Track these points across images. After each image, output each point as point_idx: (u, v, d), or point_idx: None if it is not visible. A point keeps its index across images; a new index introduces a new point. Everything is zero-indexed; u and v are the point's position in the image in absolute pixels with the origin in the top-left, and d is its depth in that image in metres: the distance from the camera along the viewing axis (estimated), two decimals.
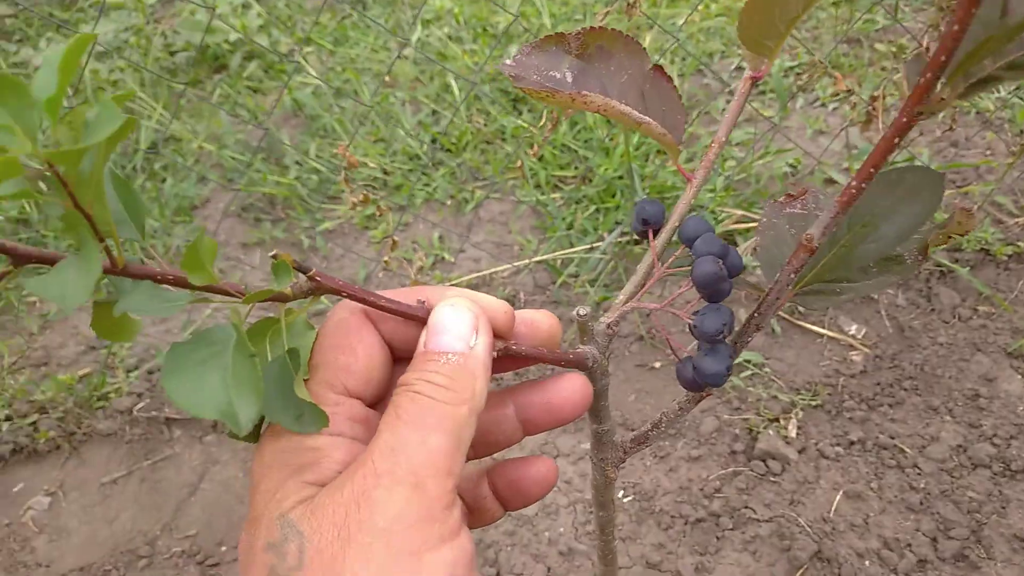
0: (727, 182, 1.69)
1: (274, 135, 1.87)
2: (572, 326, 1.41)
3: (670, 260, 0.45)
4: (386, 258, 1.16)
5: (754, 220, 1.61)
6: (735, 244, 1.58)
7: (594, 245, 1.57)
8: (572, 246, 1.58)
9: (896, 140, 0.36)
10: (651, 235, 0.46)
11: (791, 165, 1.76)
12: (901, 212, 0.47)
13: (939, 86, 0.34)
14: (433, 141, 1.91)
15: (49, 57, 0.25)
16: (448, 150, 1.90)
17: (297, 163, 1.84)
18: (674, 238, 0.48)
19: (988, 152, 1.69)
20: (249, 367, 0.31)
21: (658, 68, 0.46)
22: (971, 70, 0.33)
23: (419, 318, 0.37)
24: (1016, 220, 1.49)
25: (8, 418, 1.27)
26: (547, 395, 0.41)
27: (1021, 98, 1.82)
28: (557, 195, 1.72)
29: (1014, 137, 1.70)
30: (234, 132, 1.92)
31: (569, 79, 0.45)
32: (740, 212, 1.61)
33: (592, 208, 1.66)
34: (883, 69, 1.90)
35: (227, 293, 0.32)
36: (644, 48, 0.46)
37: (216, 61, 2.24)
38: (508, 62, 0.44)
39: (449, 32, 2.41)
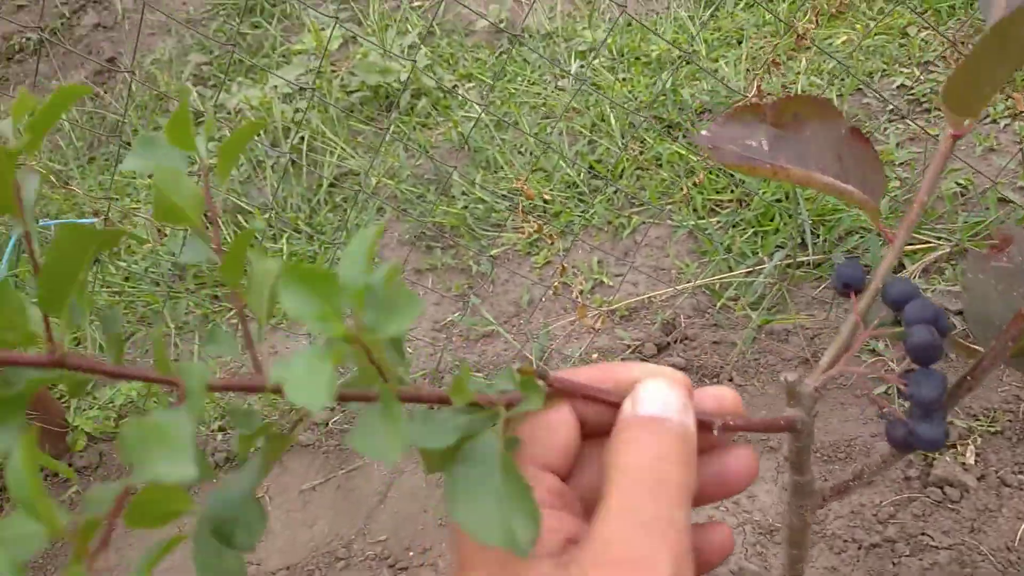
0: (893, 204, 1.66)
1: (441, 167, 1.99)
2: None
3: (874, 323, 0.45)
4: (556, 284, 1.23)
5: (922, 242, 1.58)
6: (903, 267, 1.55)
7: (753, 268, 1.58)
8: (731, 269, 1.60)
9: None
10: (853, 296, 0.46)
11: (961, 184, 1.71)
12: None
13: None
14: (590, 169, 1.98)
15: (352, 250, 0.31)
16: (604, 177, 1.96)
17: (464, 193, 1.95)
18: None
19: None
20: (519, 487, 0.31)
21: (854, 130, 0.46)
22: None
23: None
24: None
25: (222, 428, 1.42)
26: (717, 468, 0.39)
27: None
28: (715, 219, 1.74)
29: None
30: (408, 166, 2.06)
31: (765, 147, 0.46)
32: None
33: (750, 231, 1.67)
34: None
35: (485, 405, 0.33)
36: (840, 112, 0.47)
37: (387, 99, 2.40)
38: (704, 133, 0.46)
39: (603, 62, 2.48)
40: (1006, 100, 1.62)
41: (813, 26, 1.22)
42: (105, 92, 2.51)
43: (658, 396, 0.35)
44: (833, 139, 0.46)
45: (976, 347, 0.47)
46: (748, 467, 0.39)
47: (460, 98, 2.32)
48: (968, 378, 0.44)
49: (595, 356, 1.45)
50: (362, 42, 2.58)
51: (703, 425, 0.37)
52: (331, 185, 1.98)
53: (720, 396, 0.39)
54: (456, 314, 1.63)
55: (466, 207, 1.91)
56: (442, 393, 0.33)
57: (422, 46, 2.61)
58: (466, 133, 2.13)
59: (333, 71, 2.40)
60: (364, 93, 2.33)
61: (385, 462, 0.30)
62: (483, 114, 2.20)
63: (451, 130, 2.17)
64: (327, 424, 1.43)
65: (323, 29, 2.55)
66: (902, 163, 1.80)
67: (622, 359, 1.46)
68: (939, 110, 1.98)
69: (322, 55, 2.24)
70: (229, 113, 2.27)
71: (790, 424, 0.44)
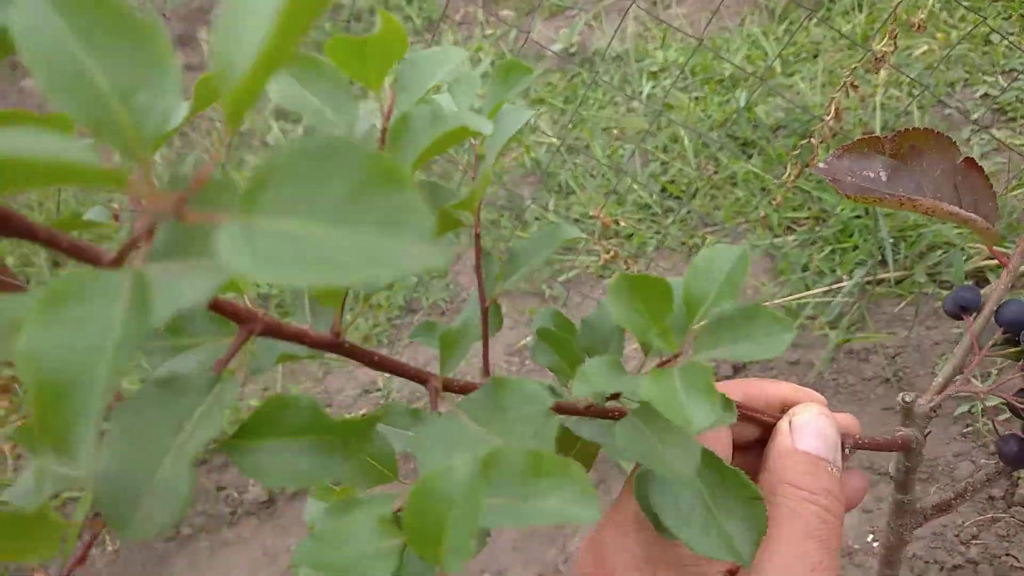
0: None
1: (514, 192, 2.03)
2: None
3: (988, 344, 0.47)
4: None
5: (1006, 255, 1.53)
6: (987, 281, 1.51)
7: (831, 287, 1.57)
8: (808, 288, 1.59)
9: None
10: (968, 319, 0.48)
11: None
12: None
13: None
14: (663, 190, 1.99)
15: (710, 264, 0.33)
16: (678, 197, 1.97)
17: (536, 218, 1.99)
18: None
19: None
20: (737, 488, 0.33)
21: (969, 160, 0.48)
22: None
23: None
24: None
25: None
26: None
27: None
28: (791, 237, 1.73)
29: None
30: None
31: (884, 178, 0.47)
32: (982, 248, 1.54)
33: (828, 249, 1.66)
34: None
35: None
36: (954, 143, 0.49)
37: None
38: (821, 165, 0.48)
39: (674, 82, 2.49)
40: None
41: (891, 49, 1.21)
42: None
43: (815, 427, 0.37)
44: (949, 169, 0.48)
45: None
46: (862, 486, 0.42)
47: (532, 123, 2.36)
48: None
49: None
50: None
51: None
52: None
53: (847, 422, 0.41)
54: (529, 338, 1.66)
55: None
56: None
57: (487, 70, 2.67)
58: (539, 158, 2.17)
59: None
60: None
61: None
62: (555, 139, 2.24)
63: (523, 155, 2.21)
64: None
65: None
66: (989, 173, 1.76)
67: None
68: (1023, 119, 1.92)
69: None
70: None
71: (906, 443, 0.47)
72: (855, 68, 1.42)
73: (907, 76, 2.18)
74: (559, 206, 2.01)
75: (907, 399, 0.46)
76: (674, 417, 0.26)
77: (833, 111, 1.69)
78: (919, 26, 2.45)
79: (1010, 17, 2.33)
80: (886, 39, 1.38)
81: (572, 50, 2.95)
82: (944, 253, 1.56)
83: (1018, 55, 2.04)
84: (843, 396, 1.37)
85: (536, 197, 2.08)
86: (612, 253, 1.28)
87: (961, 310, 0.48)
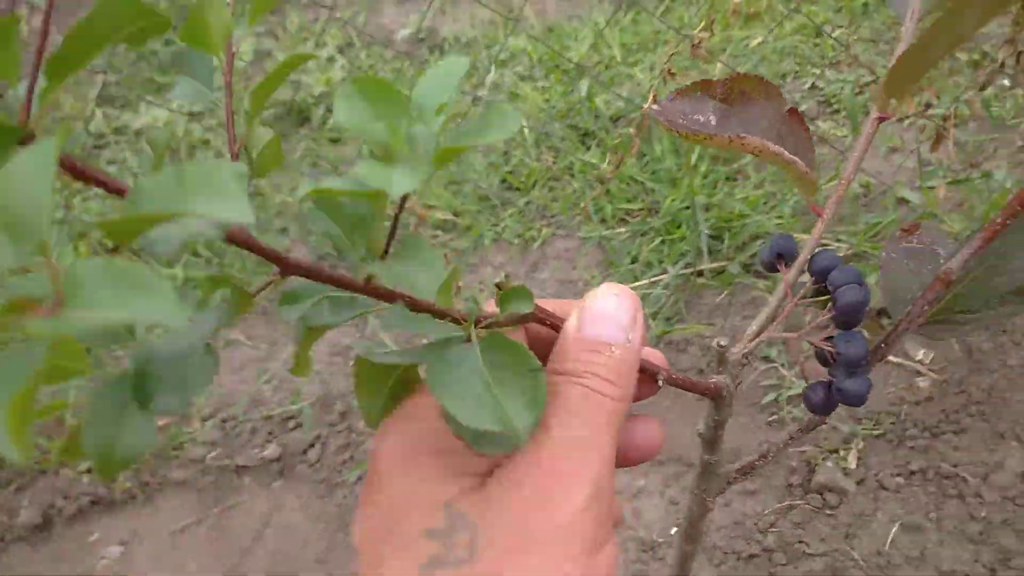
0: (794, 209, 1.68)
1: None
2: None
3: (801, 292, 0.47)
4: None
5: (822, 245, 1.59)
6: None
7: (658, 279, 1.59)
8: (636, 280, 1.61)
9: None
10: (783, 268, 0.48)
11: (863, 186, 1.73)
12: None
13: None
14: (503, 181, 1.98)
15: (438, 74, 0.31)
16: (518, 189, 1.96)
17: (418, 215, 1.94)
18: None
19: None
20: (522, 368, 0.32)
21: (793, 111, 0.49)
22: None
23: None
24: None
25: (89, 470, 1.38)
26: (625, 436, 0.39)
27: None
28: (623, 229, 1.75)
29: None
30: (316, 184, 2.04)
31: (713, 122, 0.48)
32: (805, 236, 1.59)
33: (658, 240, 1.68)
34: (956, 85, 1.84)
35: (456, 319, 0.33)
36: (780, 92, 0.49)
37: (301, 114, 2.38)
38: (656, 108, 0.48)
39: (522, 71, 2.48)
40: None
41: (708, 35, 1.22)
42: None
43: (605, 311, 0.35)
44: (775, 118, 0.49)
45: (882, 324, 0.50)
46: (655, 437, 0.40)
47: None
48: (883, 344, 0.46)
49: None
50: (277, 55, 2.56)
51: (648, 375, 0.38)
52: None
53: (656, 354, 0.40)
54: (355, 339, 1.61)
55: None
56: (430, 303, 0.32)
57: (340, 56, 2.60)
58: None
59: (245, 87, 2.37)
60: (276, 109, 2.31)
61: (428, 293, 0.29)
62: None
63: (363, 144, 2.16)
64: (204, 460, 1.40)
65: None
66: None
67: None
68: (846, 112, 2.01)
69: (229, 70, 2.22)
70: (136, 134, 2.24)
71: (718, 389, 0.46)
72: (673, 55, 1.44)
73: (743, 66, 2.24)
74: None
75: (722, 343, 0.45)
76: (377, 181, 0.25)
77: (651, 99, 1.71)
78: (752, 15, 2.52)
79: (840, 10, 2.43)
80: (702, 25, 1.39)
81: (421, 36, 2.90)
82: (764, 244, 1.60)
83: (842, 50, 2.12)
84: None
85: None
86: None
87: (777, 258, 0.48)
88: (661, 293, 1.54)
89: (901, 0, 0.50)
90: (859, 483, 1.15)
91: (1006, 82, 1.90)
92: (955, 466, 1.13)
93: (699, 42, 1.43)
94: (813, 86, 2.13)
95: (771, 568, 1.07)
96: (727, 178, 1.79)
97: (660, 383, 0.39)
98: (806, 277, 0.49)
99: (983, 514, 1.07)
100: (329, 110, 2.35)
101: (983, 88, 1.16)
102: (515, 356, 0.32)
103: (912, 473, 1.14)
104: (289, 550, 1.26)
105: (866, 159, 1.82)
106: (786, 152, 0.47)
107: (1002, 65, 1.44)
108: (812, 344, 0.45)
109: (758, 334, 0.48)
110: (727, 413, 0.49)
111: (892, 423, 1.22)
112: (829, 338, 0.45)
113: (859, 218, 1.64)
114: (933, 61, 0.42)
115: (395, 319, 0.33)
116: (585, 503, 0.30)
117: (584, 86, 2.21)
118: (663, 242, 1.68)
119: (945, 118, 1.38)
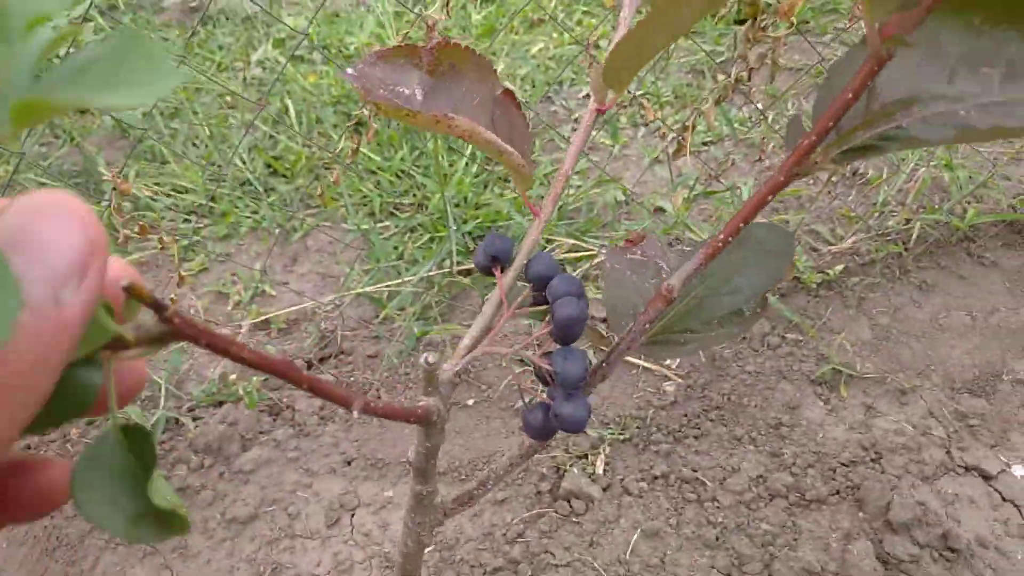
0: (560, 209, 1.68)
1: (91, 158, 1.76)
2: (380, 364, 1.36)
3: (518, 300, 0.43)
4: (172, 295, 1.09)
5: (585, 249, 1.60)
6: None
7: (418, 277, 1.53)
8: (400, 276, 1.54)
9: (769, 198, 0.36)
10: (498, 272, 0.44)
11: (625, 194, 1.77)
12: (754, 268, 0.47)
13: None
14: (267, 166, 1.84)
15: None
16: (283, 175, 1.83)
17: (115, 189, 1.74)
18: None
19: (811, 183, 1.74)
20: None
21: (508, 92, 0.44)
22: (848, 139, 0.34)
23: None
24: (829, 248, 1.53)
25: None
26: (35, 476, 0.27)
27: None
28: (390, 223, 1.67)
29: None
30: (44, 153, 1.80)
31: (419, 96, 0.42)
32: (572, 241, 1.60)
33: (426, 237, 1.62)
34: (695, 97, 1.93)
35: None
36: (494, 69, 0.44)
37: None
38: (350, 71, 0.40)
39: (301, 53, 2.35)
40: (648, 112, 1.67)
41: (444, 17, 1.16)
42: None
43: (48, 244, 0.20)
44: (488, 99, 0.44)
45: (607, 336, 0.49)
46: (139, 375, 0.28)
47: None
48: (604, 364, 0.44)
49: (233, 377, 1.32)
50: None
51: (340, 402, 0.31)
52: None
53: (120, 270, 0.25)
54: None
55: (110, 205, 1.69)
56: None
57: (99, 17, 2.33)
58: (125, 121, 1.90)
59: None
60: None
61: None
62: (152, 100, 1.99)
63: (104, 115, 1.93)
64: None
65: None
66: (577, 172, 1.84)
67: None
68: (618, 122, 2.05)
69: None
70: None
71: (426, 413, 0.40)
72: (406, 33, 1.38)
73: (520, 70, 2.25)
74: (144, 178, 1.77)
75: (430, 360, 0.40)
76: None
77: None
78: (536, 22, 2.53)
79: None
80: (437, 6, 1.32)
81: (194, 4, 2.68)
82: (543, 251, 1.59)
83: None
84: (414, 391, 1.32)
85: (117, 163, 1.82)
86: (139, 227, 1.10)
87: (492, 260, 0.44)
88: (421, 292, 1.48)
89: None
90: (605, 489, 1.14)
91: (759, 106, 2.02)
92: (695, 471, 1.16)
93: (433, 24, 1.38)
94: (587, 95, 2.16)
95: None
96: (501, 179, 1.77)
97: (355, 413, 0.33)
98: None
99: (720, 519, 1.10)
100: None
101: (718, 102, 1.19)
102: None
103: (655, 478, 1.15)
104: None
105: (629, 169, 1.87)
106: (499, 140, 0.43)
107: (737, 81, 1.51)
108: (529, 360, 0.41)
109: (471, 348, 0.44)
110: (439, 439, 0.44)
111: (638, 427, 1.23)
112: (548, 353, 0.41)
113: (620, 224, 1.67)
114: (650, 54, 0.39)
115: None
116: None
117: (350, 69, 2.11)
118: (432, 239, 1.62)
119: (684, 129, 1.42)
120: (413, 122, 0.41)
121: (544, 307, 0.42)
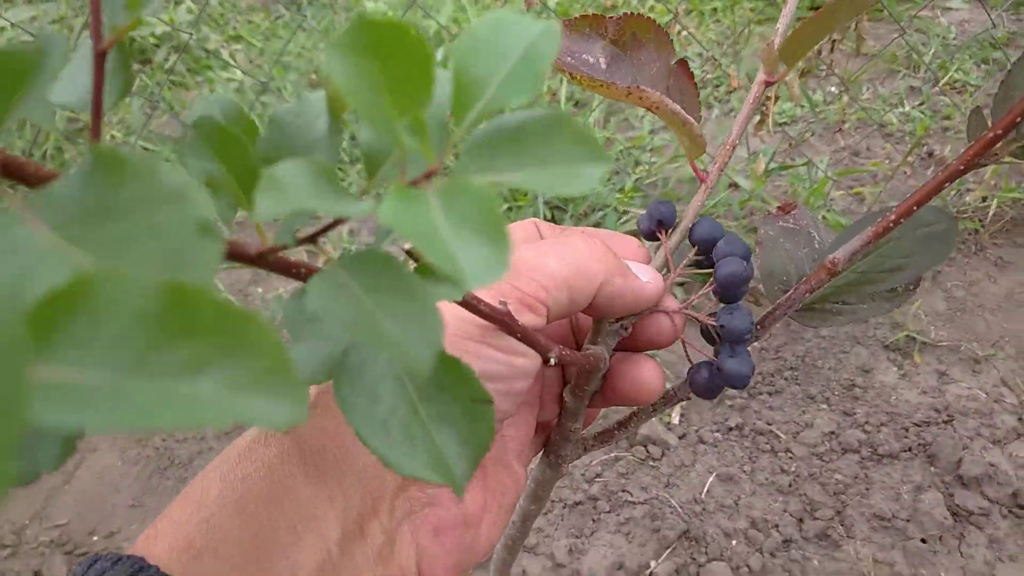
0: (635, 183, 1.73)
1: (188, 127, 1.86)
2: None
3: (684, 262, 0.44)
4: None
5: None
6: None
7: None
8: None
9: (946, 184, 0.38)
10: (663, 235, 0.45)
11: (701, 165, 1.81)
12: (919, 249, 0.48)
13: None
14: (352, 138, 1.93)
15: (509, 31, 0.20)
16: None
17: None
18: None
19: (887, 160, 1.75)
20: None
21: (682, 63, 0.44)
22: None
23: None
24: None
25: None
26: (636, 371, 0.40)
27: (922, 112, 1.89)
28: None
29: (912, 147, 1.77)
30: (145, 121, 1.91)
31: (603, 65, 0.43)
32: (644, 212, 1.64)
33: (504, 207, 1.69)
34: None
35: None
36: (671, 40, 0.45)
37: (142, 55, 2.23)
38: None
39: None
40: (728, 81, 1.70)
41: (536, 2, 1.22)
42: None
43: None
44: (664, 68, 0.44)
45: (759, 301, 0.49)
46: (660, 379, 0.40)
47: (223, 60, 2.19)
48: (759, 327, 0.44)
49: None
50: None
51: (540, 350, 0.34)
52: (67, 138, 1.80)
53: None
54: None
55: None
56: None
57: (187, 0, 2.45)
58: (227, 93, 2.00)
59: (76, 15, 2.19)
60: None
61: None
62: (246, 77, 2.09)
63: (207, 92, 2.04)
64: None
65: None
66: (652, 148, 1.88)
67: None
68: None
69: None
70: None
71: (596, 361, 0.41)
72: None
73: None
74: None
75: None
76: (437, 258, 0.15)
77: None
78: (609, 6, 2.58)
79: (691, 12, 2.53)
80: None
81: None
82: (604, 216, 1.64)
83: (703, 36, 2.21)
84: None
85: None
86: None
87: (658, 224, 0.45)
88: None
89: None
90: (681, 437, 1.19)
91: (833, 89, 2.04)
92: (769, 424, 1.20)
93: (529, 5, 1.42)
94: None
95: (595, 515, 1.09)
96: None
97: (552, 360, 0.35)
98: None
99: (792, 468, 1.14)
100: (174, 49, 2.21)
101: (802, 75, 1.22)
102: (452, 372, 0.24)
103: (730, 429, 1.19)
104: (99, 493, 1.17)
105: (707, 145, 1.90)
106: (683, 111, 0.43)
107: (819, 52, 1.54)
108: (696, 319, 0.43)
109: None
110: (597, 384, 0.45)
111: None
112: (712, 314, 0.43)
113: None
114: (830, 30, 0.41)
115: None
116: None
117: (439, 54, 2.19)
118: (510, 209, 1.68)
119: (767, 99, 1.45)
120: (606, 93, 0.42)
121: (709, 269, 0.44)
